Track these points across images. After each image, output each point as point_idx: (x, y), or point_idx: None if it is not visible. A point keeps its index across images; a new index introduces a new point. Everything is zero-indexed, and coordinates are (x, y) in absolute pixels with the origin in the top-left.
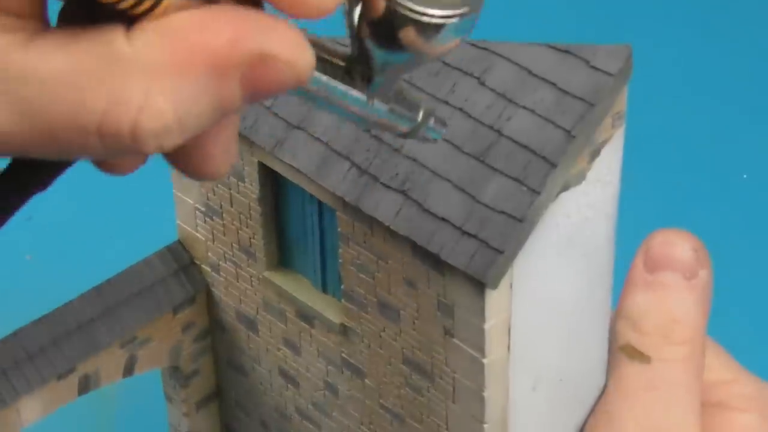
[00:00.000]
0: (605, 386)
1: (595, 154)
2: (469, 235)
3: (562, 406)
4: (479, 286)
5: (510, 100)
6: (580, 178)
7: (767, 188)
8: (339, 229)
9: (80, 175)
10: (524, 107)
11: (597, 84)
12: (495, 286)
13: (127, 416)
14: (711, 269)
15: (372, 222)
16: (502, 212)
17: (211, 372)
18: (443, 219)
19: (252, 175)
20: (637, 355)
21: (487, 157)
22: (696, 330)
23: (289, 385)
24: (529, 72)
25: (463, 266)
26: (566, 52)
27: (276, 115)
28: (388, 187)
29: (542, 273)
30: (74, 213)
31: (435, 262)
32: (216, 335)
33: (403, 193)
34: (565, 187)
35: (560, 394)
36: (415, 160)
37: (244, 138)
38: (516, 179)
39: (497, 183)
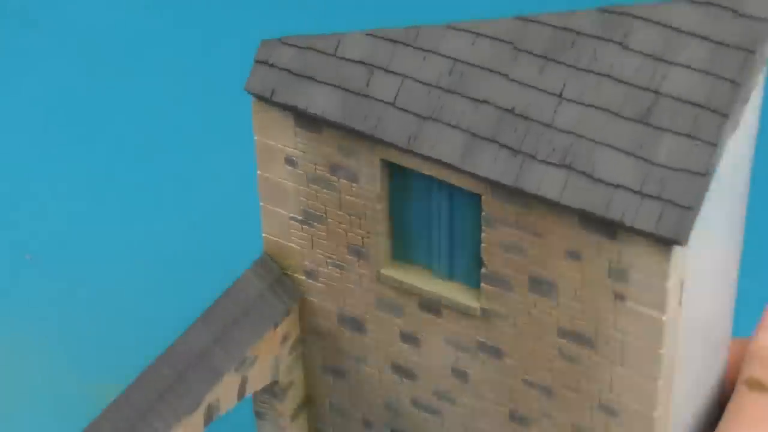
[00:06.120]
0: (722, 415)
1: (745, 100)
2: (651, 197)
3: (703, 366)
4: (665, 245)
5: (660, 59)
6: (735, 124)
7: (767, 188)
8: (483, 213)
9: (80, 175)
10: (679, 64)
11: (750, 30)
12: (686, 242)
13: None
14: None
15: (527, 200)
16: (682, 169)
17: (302, 382)
18: (618, 185)
19: (370, 174)
20: (758, 386)
21: (650, 118)
22: None
23: (403, 379)
24: (675, 29)
25: (651, 228)
26: (708, 3)
27: (403, 110)
28: (548, 163)
29: (704, 222)
30: (74, 213)
31: (607, 230)
32: (308, 343)
33: (567, 166)
34: None
35: (704, 351)
36: (571, 132)
37: (365, 137)
38: (688, 135)
39: (668, 141)
